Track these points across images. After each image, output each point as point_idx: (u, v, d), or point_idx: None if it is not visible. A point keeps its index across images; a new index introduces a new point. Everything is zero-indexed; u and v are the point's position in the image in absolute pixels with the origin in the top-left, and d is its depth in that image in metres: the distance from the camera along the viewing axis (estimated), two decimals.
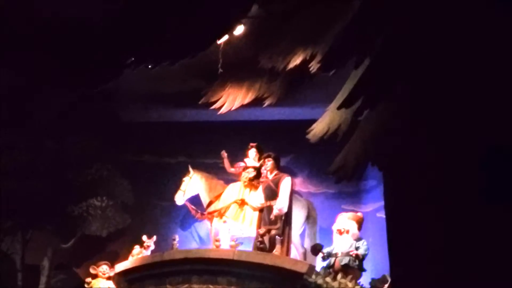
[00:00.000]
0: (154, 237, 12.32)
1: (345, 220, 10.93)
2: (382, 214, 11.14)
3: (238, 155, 12.73)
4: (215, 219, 12.24)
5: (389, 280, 9.49)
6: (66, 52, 8.60)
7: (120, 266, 11.85)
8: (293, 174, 12.15)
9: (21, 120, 12.14)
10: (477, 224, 7.29)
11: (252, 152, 12.47)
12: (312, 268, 10.27)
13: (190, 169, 12.59)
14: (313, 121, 10.18)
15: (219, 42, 10.58)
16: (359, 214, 11.26)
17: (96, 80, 9.50)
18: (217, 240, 11.54)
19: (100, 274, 12.19)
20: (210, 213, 12.35)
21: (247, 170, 12.31)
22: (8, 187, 12.39)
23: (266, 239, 10.93)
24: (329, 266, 10.51)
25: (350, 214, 11.20)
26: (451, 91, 7.14)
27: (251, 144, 12.52)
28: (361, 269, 10.50)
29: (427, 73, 7.21)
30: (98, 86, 10.59)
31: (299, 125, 10.87)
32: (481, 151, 7.17)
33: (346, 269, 10.34)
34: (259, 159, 12.21)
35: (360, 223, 10.97)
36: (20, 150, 12.85)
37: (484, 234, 7.16)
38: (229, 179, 12.74)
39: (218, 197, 12.43)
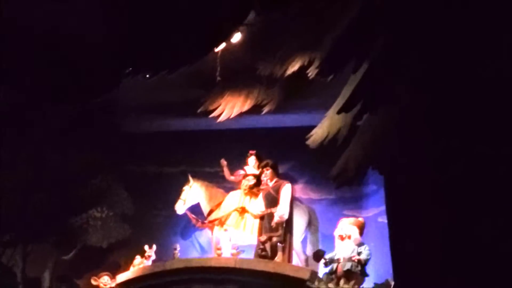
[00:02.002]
0: (155, 247, 12.27)
1: (347, 226, 10.90)
2: (383, 219, 11.12)
3: (237, 163, 12.71)
4: (216, 228, 12.21)
5: (392, 284, 9.46)
6: (64, 65, 8.60)
7: (122, 277, 11.82)
8: (293, 181, 12.12)
9: (22, 135, 12.15)
10: (477, 227, 7.30)
11: (252, 160, 12.46)
12: (314, 274, 10.25)
13: (190, 178, 12.57)
14: (313, 127, 10.17)
15: (216, 50, 10.60)
16: (361, 219, 11.23)
17: (95, 91, 9.50)
18: (218, 249, 11.50)
19: (101, 285, 12.12)
20: (210, 221, 12.31)
21: (247, 178, 12.28)
22: (7, 200, 12.37)
23: (267, 246, 10.89)
24: (332, 272, 10.47)
25: (352, 219, 11.17)
26: (450, 92, 7.14)
27: (250, 151, 12.52)
28: (363, 274, 10.46)
29: (426, 74, 7.21)
30: (97, 97, 10.59)
31: (299, 131, 10.86)
32: (480, 152, 7.19)
33: (348, 275, 10.30)
34: (259, 167, 12.17)
35: (362, 228, 10.94)
36: (20, 163, 12.82)
37: (484, 237, 7.17)
38: (229, 187, 12.72)
39: (218, 205, 12.39)
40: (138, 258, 12.22)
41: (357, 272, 10.37)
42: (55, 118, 12.18)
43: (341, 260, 10.47)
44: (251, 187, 12.08)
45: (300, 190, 12.86)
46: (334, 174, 9.08)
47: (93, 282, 12.19)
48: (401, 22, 7.15)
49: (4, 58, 8.50)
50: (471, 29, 6.86)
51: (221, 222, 12.10)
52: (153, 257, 12.22)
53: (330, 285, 10.01)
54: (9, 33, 8.29)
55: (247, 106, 11.99)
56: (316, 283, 9.97)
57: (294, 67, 9.92)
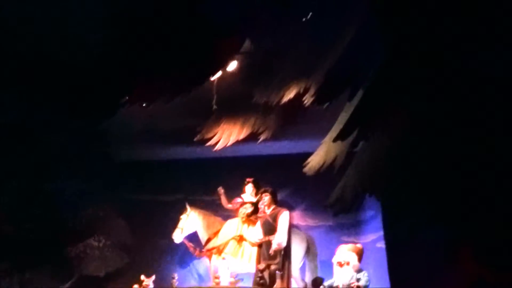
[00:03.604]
0: (153, 276, 12.20)
1: (345, 252, 10.87)
2: (382, 244, 11.12)
3: (235, 191, 12.69)
4: (214, 256, 12.14)
5: None
6: (60, 93, 8.61)
7: None
8: (291, 208, 12.09)
9: (15, 163, 12.14)
10: (475, 251, 7.30)
11: (249, 188, 12.43)
12: None
13: (187, 206, 12.54)
14: (309, 154, 10.18)
15: (212, 78, 10.64)
16: (359, 245, 11.22)
17: (91, 119, 9.52)
18: (216, 277, 11.47)
19: None
20: (208, 250, 12.26)
21: (245, 205, 12.24)
22: (4, 229, 12.35)
23: (266, 274, 10.85)
24: None
25: (350, 245, 11.15)
26: (445, 119, 7.18)
27: (248, 179, 12.48)
28: None
29: (421, 102, 7.25)
30: (92, 126, 10.61)
31: (295, 158, 10.85)
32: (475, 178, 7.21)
33: None
34: (256, 194, 12.15)
35: (360, 255, 10.91)
36: (12, 192, 12.81)
37: (483, 259, 7.18)
38: (226, 215, 12.67)
39: (216, 233, 12.34)
40: None
41: None
42: (49, 146, 12.17)
43: (340, 287, 10.44)
44: (248, 215, 12.04)
45: (298, 217, 12.87)
46: (331, 202, 9.07)
47: None
48: (395, 49, 7.20)
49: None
50: (465, 56, 6.92)
51: (219, 250, 12.04)
52: (151, 286, 12.14)
53: None
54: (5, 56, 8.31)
55: (243, 134, 12.00)
56: None
57: (289, 94, 9.95)
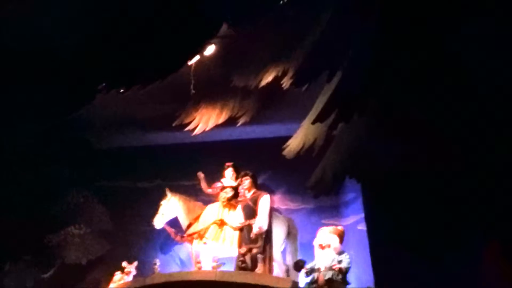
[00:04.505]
0: (135, 263, 12.20)
1: (326, 235, 10.88)
2: (363, 226, 11.15)
3: (215, 175, 12.65)
4: (195, 241, 12.11)
5: None
6: (36, 81, 8.53)
7: None
8: (271, 192, 12.11)
9: None
10: (455, 235, 7.35)
11: (229, 172, 12.41)
12: (295, 284, 10.23)
13: (168, 192, 12.49)
14: (289, 137, 10.17)
15: (190, 63, 10.58)
16: (340, 227, 11.21)
17: (69, 106, 9.44)
18: (198, 262, 11.45)
19: None
20: (190, 235, 12.22)
21: (225, 190, 12.22)
22: None
23: (247, 258, 10.86)
24: (313, 282, 10.44)
25: (331, 228, 11.14)
26: (423, 101, 7.19)
27: (227, 163, 12.45)
28: (345, 282, 10.43)
29: (399, 84, 7.25)
30: (70, 113, 10.52)
31: (275, 142, 10.86)
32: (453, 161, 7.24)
33: (330, 284, 10.26)
34: (236, 179, 12.15)
35: (342, 237, 10.91)
36: None
37: (463, 245, 7.23)
38: (207, 200, 12.63)
39: (197, 218, 12.31)
40: (118, 274, 12.14)
41: (338, 280, 10.33)
42: (27, 135, 12.06)
43: (322, 269, 10.44)
44: (229, 199, 12.02)
45: (278, 200, 12.86)
46: (311, 184, 9.08)
47: None
48: (375, 30, 7.18)
49: None
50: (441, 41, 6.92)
51: (200, 235, 12.02)
52: (134, 272, 12.13)
53: None
54: None
55: (222, 118, 11.99)
56: None
57: (268, 78, 9.93)
